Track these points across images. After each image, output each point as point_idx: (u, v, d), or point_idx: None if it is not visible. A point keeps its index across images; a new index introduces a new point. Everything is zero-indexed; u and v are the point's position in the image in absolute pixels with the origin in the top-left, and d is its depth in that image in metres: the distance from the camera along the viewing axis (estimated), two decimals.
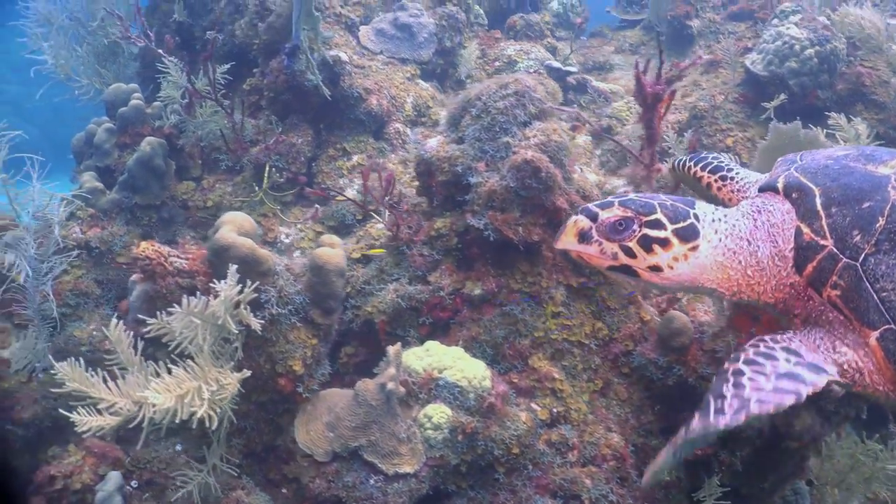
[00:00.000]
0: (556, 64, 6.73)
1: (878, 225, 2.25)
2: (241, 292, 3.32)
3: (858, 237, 2.26)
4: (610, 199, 2.55)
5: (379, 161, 5.64)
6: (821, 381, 2.17)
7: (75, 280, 4.98)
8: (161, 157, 5.39)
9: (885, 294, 2.17)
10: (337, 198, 5.40)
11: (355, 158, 5.61)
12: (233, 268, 3.35)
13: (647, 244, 2.43)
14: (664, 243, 2.43)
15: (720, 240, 2.50)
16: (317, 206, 5.38)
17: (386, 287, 4.26)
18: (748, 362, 2.23)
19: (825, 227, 2.34)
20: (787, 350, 2.26)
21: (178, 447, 3.75)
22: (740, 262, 2.50)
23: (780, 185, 2.56)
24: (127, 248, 5.30)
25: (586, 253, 2.50)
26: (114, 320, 3.44)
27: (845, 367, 2.28)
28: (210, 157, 5.83)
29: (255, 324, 3.41)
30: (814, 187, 2.46)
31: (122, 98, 5.86)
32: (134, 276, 3.71)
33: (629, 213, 2.45)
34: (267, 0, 5.98)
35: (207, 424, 3.20)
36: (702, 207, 2.56)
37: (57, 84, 6.66)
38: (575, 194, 4.13)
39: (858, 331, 2.25)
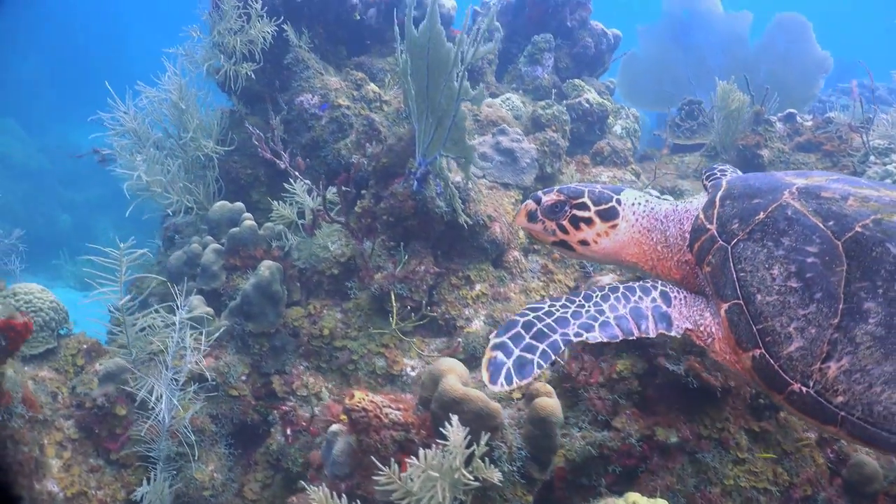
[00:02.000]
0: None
1: (757, 218, 2.62)
2: (468, 446, 3.02)
3: (737, 225, 2.65)
4: (552, 187, 3.07)
5: (500, 290, 5.44)
6: (652, 331, 2.62)
7: (191, 416, 4.56)
8: (279, 283, 5.09)
9: (742, 275, 2.54)
10: (466, 329, 5.15)
11: (478, 287, 5.40)
12: (455, 418, 3.06)
13: (575, 222, 2.95)
14: (588, 222, 2.94)
15: (637, 220, 2.95)
16: (459, 339, 5.10)
17: (570, 433, 3.98)
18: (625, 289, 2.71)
19: (714, 215, 2.75)
20: (663, 294, 2.68)
21: None
22: (653, 239, 2.95)
23: (704, 176, 3.12)
24: (239, 378, 4.93)
25: (534, 230, 3.07)
26: (314, 487, 3.06)
27: (702, 329, 2.66)
28: (312, 281, 5.55)
29: (496, 476, 3.09)
30: (725, 184, 2.90)
31: (227, 217, 5.60)
32: (334, 427, 3.37)
33: (562, 197, 2.98)
34: (375, 121, 5.89)
35: None
36: (627, 193, 3.02)
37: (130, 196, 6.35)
38: None
39: (716, 302, 2.63)
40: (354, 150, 5.87)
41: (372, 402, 3.26)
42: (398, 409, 3.33)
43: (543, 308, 2.65)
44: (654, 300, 2.68)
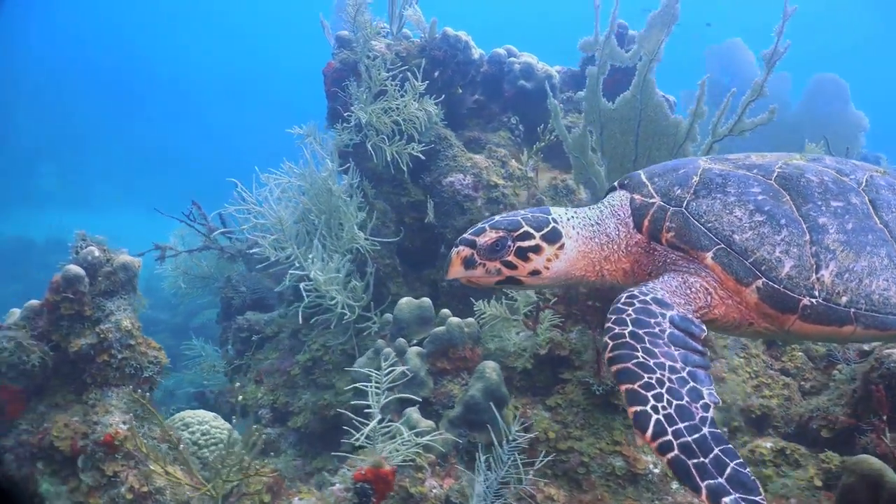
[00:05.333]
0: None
1: (693, 181, 2.78)
2: None
3: (679, 191, 2.76)
4: (480, 225, 2.87)
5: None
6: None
7: None
8: (504, 383, 4.62)
9: (710, 224, 2.64)
10: None
11: None
12: None
13: (522, 255, 2.80)
14: (537, 250, 2.81)
15: (578, 233, 2.90)
16: None
17: None
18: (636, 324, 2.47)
19: (652, 190, 2.83)
20: (657, 301, 2.54)
21: None
22: (596, 242, 2.91)
23: (616, 183, 3.06)
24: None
25: (474, 276, 2.84)
26: None
27: (697, 293, 2.64)
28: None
29: None
30: (640, 172, 3.00)
31: (416, 315, 5.08)
32: None
33: (501, 233, 2.81)
34: (543, 199, 5.59)
35: None
36: (556, 211, 2.95)
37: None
38: None
39: (696, 257, 2.65)
40: None
41: None
42: None
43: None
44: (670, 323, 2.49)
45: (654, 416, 2.13)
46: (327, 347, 5.96)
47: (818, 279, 2.53)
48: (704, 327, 2.55)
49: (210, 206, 7.29)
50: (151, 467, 3.67)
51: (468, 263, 2.81)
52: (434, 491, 4.25)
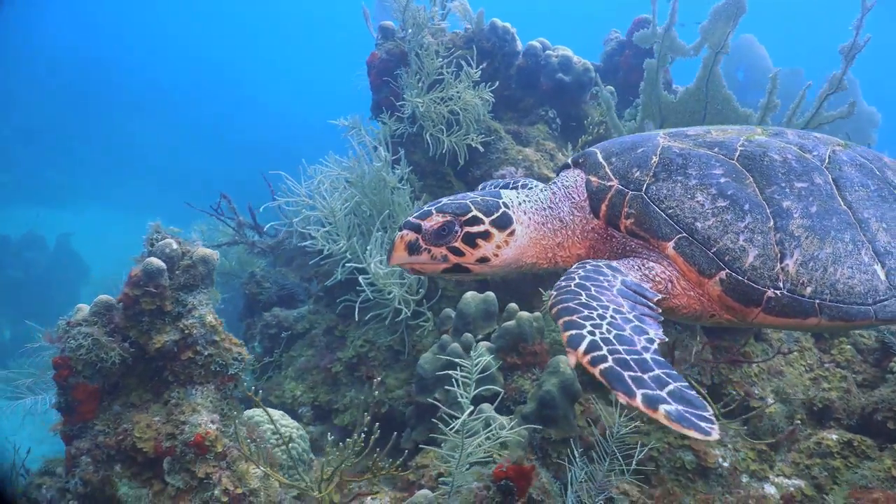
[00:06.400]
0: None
1: (653, 161, 2.61)
2: None
3: (638, 173, 2.60)
4: (425, 208, 2.69)
5: (771, 364, 5.22)
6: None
7: None
8: (577, 379, 4.56)
9: (671, 211, 2.49)
10: (765, 408, 4.87)
11: (754, 365, 5.15)
12: None
13: (470, 241, 2.62)
14: (486, 236, 2.63)
15: (529, 218, 2.74)
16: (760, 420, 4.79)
17: None
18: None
19: (609, 172, 2.67)
20: (610, 266, 2.44)
21: None
22: (549, 228, 2.75)
23: (570, 160, 2.88)
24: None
25: (418, 262, 2.64)
26: None
27: (657, 278, 2.50)
28: None
29: None
30: (595, 149, 2.83)
31: (482, 309, 4.99)
32: None
33: (448, 217, 2.62)
34: None
35: None
36: (507, 195, 2.78)
37: None
38: None
39: (657, 246, 2.52)
40: None
41: None
42: None
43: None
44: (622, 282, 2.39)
45: (590, 338, 1.96)
46: (372, 343, 5.83)
47: (783, 269, 2.42)
48: (658, 294, 2.41)
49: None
50: (251, 469, 3.51)
51: (412, 248, 2.61)
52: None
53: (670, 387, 1.82)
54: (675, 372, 1.90)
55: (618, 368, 1.85)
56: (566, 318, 2.06)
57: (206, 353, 3.73)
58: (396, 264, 2.67)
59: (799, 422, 4.96)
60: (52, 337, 3.96)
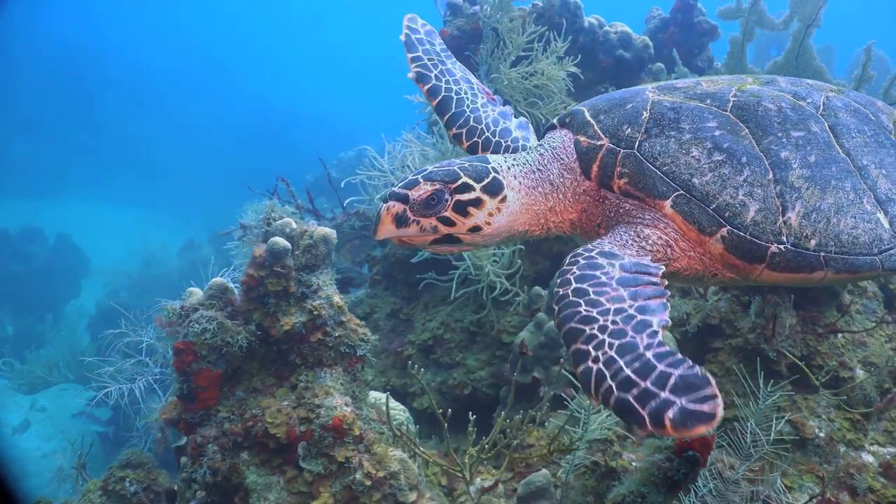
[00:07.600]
0: None
1: (643, 117, 2.51)
2: None
3: (629, 130, 2.49)
4: (411, 177, 2.52)
5: (854, 336, 5.25)
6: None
7: None
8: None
9: (666, 168, 2.40)
10: (855, 378, 4.89)
11: (839, 336, 5.18)
12: None
13: (461, 209, 2.48)
14: (478, 203, 2.50)
15: (520, 182, 2.62)
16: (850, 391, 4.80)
17: None
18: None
19: (598, 130, 2.55)
20: (604, 254, 2.32)
21: None
22: (540, 192, 2.63)
23: (556, 120, 2.78)
24: None
25: (406, 235, 2.49)
26: None
27: (654, 247, 2.42)
28: None
29: None
30: (582, 107, 2.71)
31: None
32: None
33: (437, 186, 2.47)
34: None
35: None
36: (495, 159, 2.66)
37: None
38: None
39: (653, 205, 2.42)
40: None
41: None
42: None
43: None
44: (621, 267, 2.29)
45: (595, 367, 1.91)
46: (447, 325, 5.76)
47: (785, 222, 2.34)
48: (662, 267, 2.30)
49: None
50: (389, 452, 3.43)
51: (400, 221, 2.46)
52: (634, 464, 4.15)
53: (672, 380, 1.79)
54: (677, 357, 1.87)
55: (623, 395, 1.82)
56: (573, 347, 1.99)
57: (335, 335, 3.62)
58: (383, 238, 2.51)
59: (885, 391, 4.99)
60: (163, 322, 3.83)
